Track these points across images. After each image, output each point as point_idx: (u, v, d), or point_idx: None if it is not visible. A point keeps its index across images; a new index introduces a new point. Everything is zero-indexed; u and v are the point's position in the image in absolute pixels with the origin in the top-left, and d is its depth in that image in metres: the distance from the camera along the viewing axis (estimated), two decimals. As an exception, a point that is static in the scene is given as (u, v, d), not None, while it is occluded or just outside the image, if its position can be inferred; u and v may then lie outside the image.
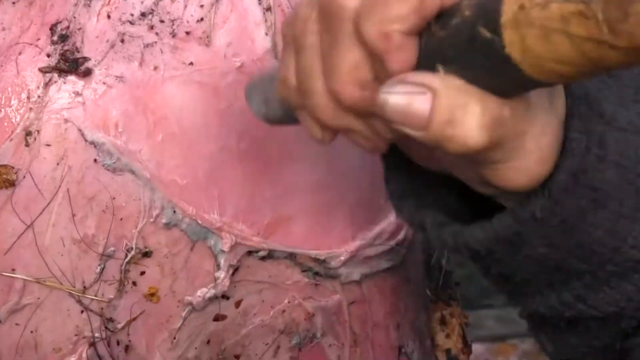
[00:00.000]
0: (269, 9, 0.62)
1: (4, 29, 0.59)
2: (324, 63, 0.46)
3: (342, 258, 0.63)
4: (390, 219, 0.66)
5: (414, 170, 0.53)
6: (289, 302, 0.63)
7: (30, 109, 0.58)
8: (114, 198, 0.58)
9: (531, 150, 0.45)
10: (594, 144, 0.47)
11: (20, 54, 0.59)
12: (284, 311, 0.63)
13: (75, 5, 0.60)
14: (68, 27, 0.59)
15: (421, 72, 0.43)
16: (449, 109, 0.42)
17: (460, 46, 0.42)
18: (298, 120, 0.50)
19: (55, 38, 0.59)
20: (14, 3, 0.60)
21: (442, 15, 0.43)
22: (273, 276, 0.62)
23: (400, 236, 0.66)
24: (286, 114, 0.51)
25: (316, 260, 0.63)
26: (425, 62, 0.43)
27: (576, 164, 0.46)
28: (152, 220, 0.59)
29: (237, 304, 0.62)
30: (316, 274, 0.63)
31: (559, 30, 0.38)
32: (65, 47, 0.59)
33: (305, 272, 0.63)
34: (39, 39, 0.59)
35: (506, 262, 0.51)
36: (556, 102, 0.47)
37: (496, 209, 0.50)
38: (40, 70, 0.58)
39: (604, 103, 0.48)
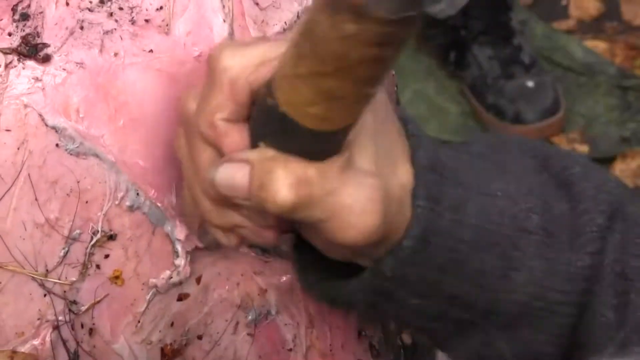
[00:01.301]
0: (227, -5, 0.63)
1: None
2: (193, 169, 0.53)
3: (288, 243, 0.63)
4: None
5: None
6: (242, 275, 0.63)
7: (-9, 91, 0.58)
8: (78, 181, 0.59)
9: (350, 207, 0.49)
10: (447, 209, 0.52)
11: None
12: (238, 284, 0.63)
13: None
14: (29, 7, 0.59)
15: (244, 150, 0.50)
16: (260, 176, 0.48)
17: (263, 120, 0.49)
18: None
19: (16, 17, 0.59)
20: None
21: (255, 101, 0.50)
22: (225, 249, 0.62)
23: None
24: (211, 240, 0.59)
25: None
26: (254, 140, 0.50)
27: (422, 230, 0.51)
28: (117, 202, 0.59)
29: (198, 280, 0.62)
30: (264, 250, 0.63)
31: (294, 75, 0.44)
32: (27, 31, 0.59)
33: (253, 248, 0.63)
34: (1, 19, 0.59)
35: (391, 312, 0.57)
36: (397, 170, 0.52)
37: None
38: (1, 50, 0.58)
39: (461, 173, 0.53)
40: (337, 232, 0.49)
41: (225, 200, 0.51)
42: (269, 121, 0.48)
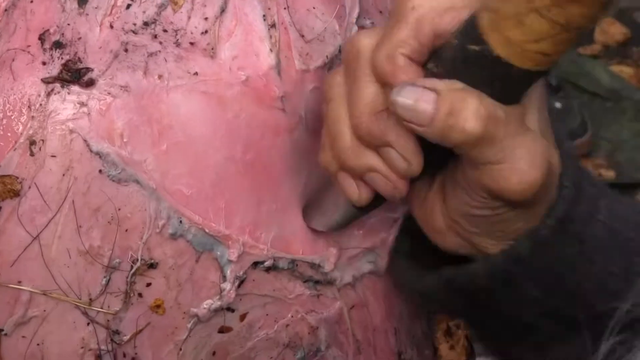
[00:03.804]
0: (273, 25, 0.62)
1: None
2: (348, 104, 0.53)
3: (332, 260, 0.63)
4: (364, 222, 0.66)
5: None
6: (292, 316, 0.63)
7: (33, 117, 0.58)
8: (119, 209, 0.58)
9: (522, 155, 0.50)
10: (585, 201, 0.54)
11: (13, 60, 0.58)
12: (287, 325, 0.63)
13: (64, 12, 0.60)
14: (63, 35, 0.59)
15: (429, 78, 0.50)
16: (450, 103, 0.49)
17: (457, 70, 0.49)
18: (354, 216, 0.59)
19: (47, 46, 0.58)
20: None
21: (434, 56, 0.51)
22: (277, 290, 0.62)
23: (377, 238, 0.67)
24: (340, 213, 0.59)
25: (313, 266, 0.63)
26: None
27: (564, 212, 0.53)
28: (157, 231, 0.59)
29: (242, 317, 0.61)
30: (316, 282, 0.63)
31: (527, 10, 0.45)
32: (66, 57, 0.59)
33: (307, 283, 0.63)
34: (29, 46, 0.58)
35: (505, 302, 0.56)
36: (551, 153, 0.53)
37: None
38: (43, 80, 0.58)
39: (593, 176, 0.56)
40: (502, 177, 0.50)
41: (372, 139, 0.52)
42: (466, 71, 0.49)
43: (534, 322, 0.57)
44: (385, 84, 0.51)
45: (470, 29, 0.48)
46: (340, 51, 0.63)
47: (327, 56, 0.63)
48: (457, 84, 0.49)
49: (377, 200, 0.58)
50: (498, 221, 0.53)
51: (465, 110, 0.48)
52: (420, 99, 0.49)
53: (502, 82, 0.48)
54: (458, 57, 0.49)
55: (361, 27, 0.65)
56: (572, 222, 0.53)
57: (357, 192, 0.55)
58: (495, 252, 0.55)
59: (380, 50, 0.51)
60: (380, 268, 0.67)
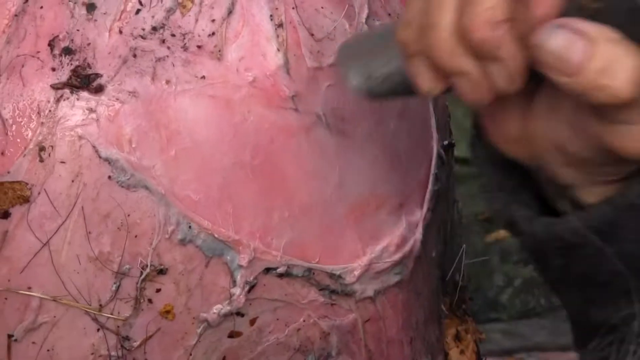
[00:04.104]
0: (280, 25, 0.62)
1: (8, 42, 0.59)
2: (463, 3, 0.46)
3: (356, 273, 0.63)
4: (395, 233, 0.66)
5: (499, 163, 0.53)
6: (304, 320, 0.63)
7: (42, 123, 0.57)
8: (128, 215, 0.58)
9: None
10: None
11: (23, 66, 0.58)
12: (299, 330, 0.63)
13: (73, 18, 0.59)
14: (72, 41, 0.59)
15: (581, 20, 0.45)
16: (605, 58, 0.44)
17: (620, 19, 0.44)
18: (406, 92, 0.51)
19: (56, 52, 0.58)
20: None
21: None
22: (289, 295, 0.62)
23: (407, 248, 0.66)
24: (394, 83, 0.51)
25: (332, 276, 0.62)
26: None
27: None
28: (167, 236, 0.59)
29: (252, 322, 0.61)
30: (332, 292, 0.63)
31: None
32: (75, 63, 0.59)
33: (322, 291, 0.63)
34: (39, 52, 0.58)
35: (594, 258, 0.51)
36: None
37: None
38: (52, 87, 0.58)
39: None
40: (631, 136, 0.45)
41: (482, 49, 0.46)
42: (630, 23, 0.44)
43: (612, 279, 0.51)
44: None
45: None
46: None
47: (338, 54, 0.63)
48: (614, 34, 0.44)
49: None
50: (594, 165, 0.49)
51: (622, 71, 0.44)
52: (573, 46, 0.44)
53: None
54: (624, 4, 0.44)
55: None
56: None
57: (432, 84, 0.49)
58: (599, 204, 0.50)
59: None
60: (405, 277, 0.66)
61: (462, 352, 0.72)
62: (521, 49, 0.46)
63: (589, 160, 0.49)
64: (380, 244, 0.65)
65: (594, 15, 0.45)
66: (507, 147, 0.52)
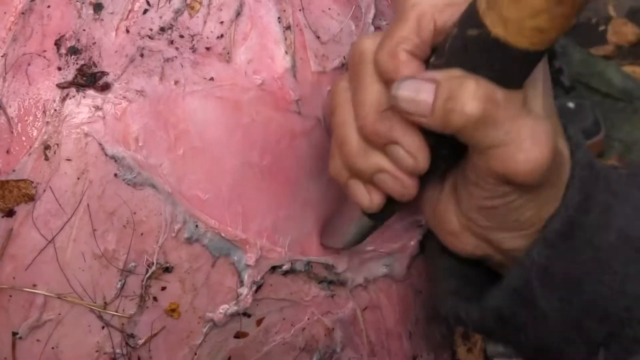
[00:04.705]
0: (288, 27, 0.62)
1: (14, 40, 0.59)
2: (353, 107, 0.54)
3: (345, 258, 0.64)
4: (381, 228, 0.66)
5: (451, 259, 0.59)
6: (308, 319, 0.63)
7: (47, 122, 0.57)
8: (134, 213, 0.58)
9: (526, 135, 0.49)
10: (595, 209, 0.53)
11: (29, 64, 0.58)
12: (304, 329, 0.63)
13: (80, 17, 0.59)
14: (79, 41, 0.59)
15: (427, 70, 0.51)
16: (449, 89, 0.49)
17: (456, 58, 0.49)
18: (369, 228, 0.59)
19: (63, 51, 0.58)
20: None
21: (436, 51, 0.51)
22: (294, 293, 0.62)
23: (396, 245, 0.67)
24: (355, 227, 0.59)
25: (327, 267, 0.63)
26: None
27: (569, 217, 0.52)
28: (173, 235, 0.58)
29: (259, 322, 0.61)
30: (330, 282, 0.63)
31: None
32: (81, 62, 0.59)
33: (321, 284, 0.63)
34: (45, 50, 0.58)
35: (529, 325, 0.56)
36: (558, 138, 0.52)
37: None
38: (58, 86, 0.58)
39: (612, 182, 0.55)
40: (508, 158, 0.50)
41: (378, 137, 0.52)
42: (466, 58, 0.49)
43: (558, 347, 0.57)
44: (389, 81, 0.52)
45: (469, 15, 0.48)
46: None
47: (344, 57, 0.63)
48: (456, 72, 0.49)
49: (389, 208, 0.57)
50: (510, 210, 0.53)
51: (463, 93, 0.48)
52: (420, 89, 0.49)
53: (501, 64, 0.48)
54: (458, 44, 0.49)
55: (377, 28, 0.65)
56: (583, 229, 0.53)
57: (368, 197, 0.55)
58: (511, 247, 0.55)
59: (383, 48, 0.52)
60: (397, 273, 0.66)
61: (469, 350, 0.71)
62: (409, 125, 0.51)
63: (503, 208, 0.53)
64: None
65: (441, 66, 0.50)
66: (452, 241, 0.57)
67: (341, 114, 0.55)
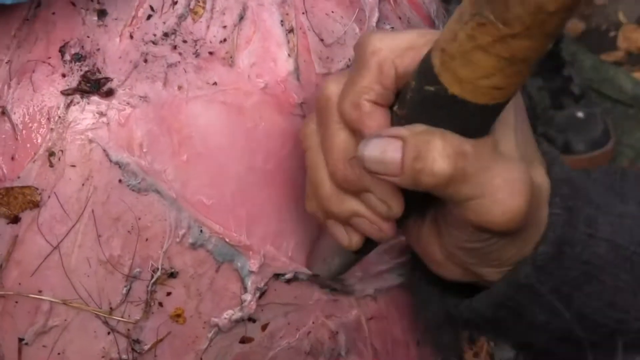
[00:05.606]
0: (291, 30, 0.62)
1: (19, 47, 0.59)
2: (323, 154, 0.53)
3: (358, 274, 0.63)
4: (399, 237, 0.66)
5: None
6: (313, 322, 0.62)
7: (52, 129, 0.57)
8: (139, 218, 0.58)
9: (500, 186, 0.48)
10: (580, 222, 0.52)
11: (33, 71, 0.58)
12: (309, 332, 0.62)
13: (84, 24, 0.59)
14: (83, 48, 0.59)
15: (392, 125, 0.50)
16: (415, 148, 0.47)
17: (418, 111, 0.48)
18: (353, 260, 0.58)
19: (67, 58, 0.58)
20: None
21: (398, 97, 0.50)
22: (298, 297, 0.62)
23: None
24: (339, 258, 0.58)
25: (335, 279, 0.62)
26: (398, 125, 0.50)
27: (558, 238, 0.51)
28: (178, 240, 0.58)
29: (264, 327, 0.61)
30: (333, 289, 0.63)
31: (472, 48, 0.44)
32: (85, 68, 0.58)
33: (324, 289, 0.63)
34: (49, 57, 0.58)
35: (515, 329, 0.55)
36: (534, 169, 0.52)
37: None
38: (63, 93, 0.58)
39: (591, 192, 0.54)
40: (484, 211, 0.49)
41: (350, 185, 0.52)
42: (425, 111, 0.48)
43: (546, 346, 0.56)
44: (355, 130, 0.51)
45: (425, 70, 0.47)
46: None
47: (349, 59, 0.62)
48: (420, 127, 0.48)
49: (371, 243, 0.56)
50: (491, 251, 0.52)
51: (431, 152, 0.47)
52: (387, 149, 0.48)
53: (462, 119, 0.47)
54: (416, 98, 0.48)
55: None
56: (571, 245, 0.52)
57: (347, 238, 0.54)
58: (495, 279, 0.54)
59: (345, 98, 0.51)
60: (410, 282, 0.66)
61: (475, 354, 0.70)
62: None
63: (484, 249, 0.53)
64: (382, 246, 0.65)
65: (405, 118, 0.49)
66: (437, 269, 0.56)
67: (312, 157, 0.54)
